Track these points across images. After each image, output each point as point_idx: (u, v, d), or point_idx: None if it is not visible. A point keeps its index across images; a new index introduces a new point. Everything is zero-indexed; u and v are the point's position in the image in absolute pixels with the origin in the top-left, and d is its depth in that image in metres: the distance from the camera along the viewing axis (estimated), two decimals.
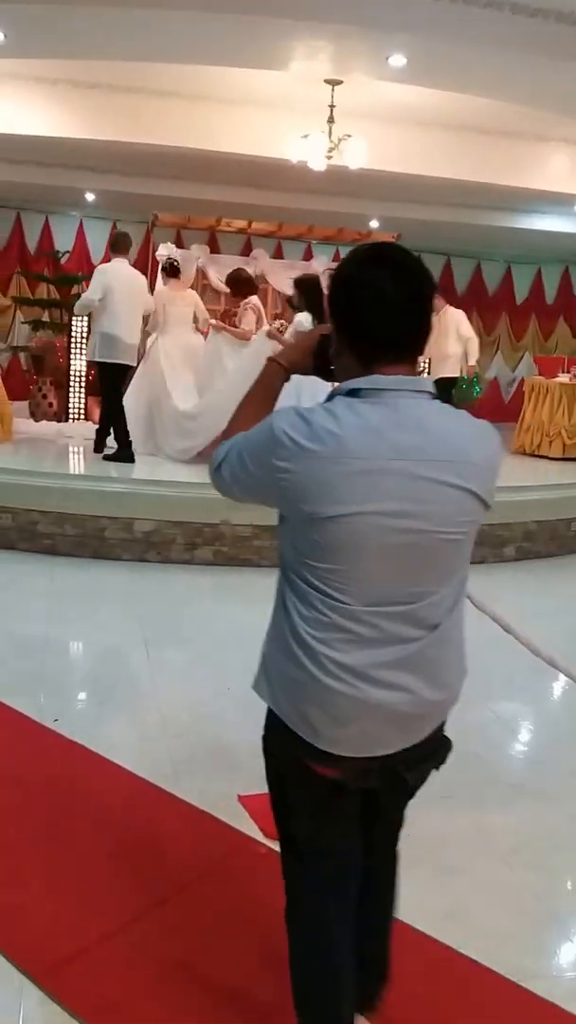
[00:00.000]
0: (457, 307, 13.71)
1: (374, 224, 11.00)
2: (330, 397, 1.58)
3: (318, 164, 7.18)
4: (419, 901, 2.62)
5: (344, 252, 11.44)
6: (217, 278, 8.81)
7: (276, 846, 2.78)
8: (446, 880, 2.74)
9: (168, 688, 4.07)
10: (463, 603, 1.68)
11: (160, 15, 5.06)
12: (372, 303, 1.54)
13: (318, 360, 1.71)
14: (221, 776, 3.20)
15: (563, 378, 9.58)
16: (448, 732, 1.76)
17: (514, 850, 2.94)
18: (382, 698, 1.58)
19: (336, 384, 1.63)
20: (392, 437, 1.51)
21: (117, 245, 7.18)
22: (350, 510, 1.50)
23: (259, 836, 2.86)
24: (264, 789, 1.85)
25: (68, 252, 11.58)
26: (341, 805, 1.73)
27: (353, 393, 1.55)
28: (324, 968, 1.80)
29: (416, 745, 1.67)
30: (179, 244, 9.60)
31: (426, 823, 3.02)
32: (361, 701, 1.57)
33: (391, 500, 1.51)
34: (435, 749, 1.74)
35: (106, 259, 11.74)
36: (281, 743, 1.70)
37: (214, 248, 10.43)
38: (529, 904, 2.67)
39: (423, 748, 1.69)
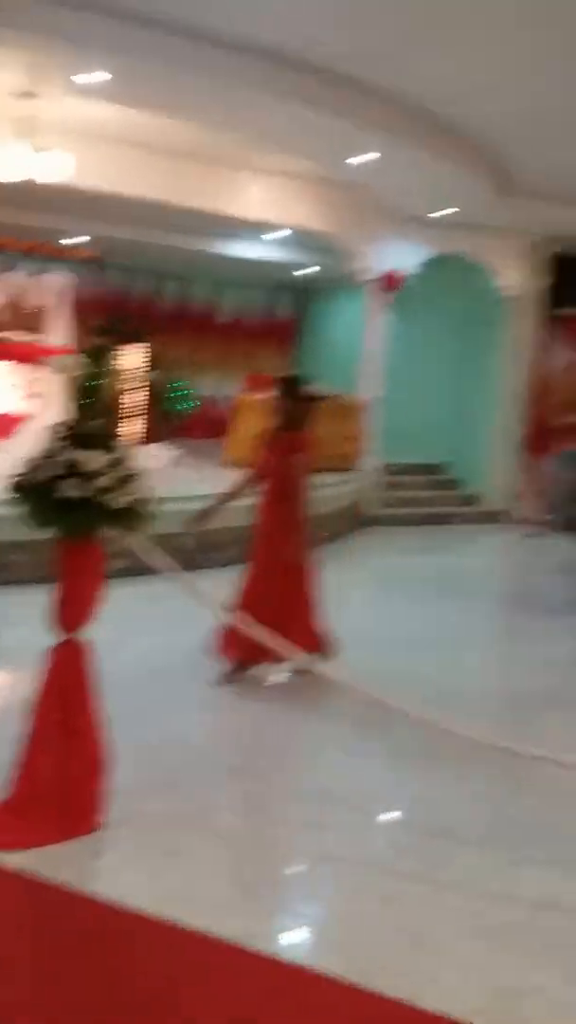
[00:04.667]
0: (165, 329, 14.18)
1: (83, 239, 10.75)
2: None
3: (14, 176, 6.99)
4: (149, 885, 2.74)
5: (50, 267, 11.23)
6: None
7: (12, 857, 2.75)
8: (171, 861, 2.90)
9: None
10: None
11: None
12: None
13: None
14: None
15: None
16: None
17: (230, 826, 3.20)
18: None
19: None
20: None
21: None
22: None
23: None
24: None
25: None
26: None
27: None
28: None
29: None
30: None
31: (151, 810, 3.17)
32: None
33: None
34: None
35: None
36: None
37: None
38: (246, 874, 2.91)
39: None
